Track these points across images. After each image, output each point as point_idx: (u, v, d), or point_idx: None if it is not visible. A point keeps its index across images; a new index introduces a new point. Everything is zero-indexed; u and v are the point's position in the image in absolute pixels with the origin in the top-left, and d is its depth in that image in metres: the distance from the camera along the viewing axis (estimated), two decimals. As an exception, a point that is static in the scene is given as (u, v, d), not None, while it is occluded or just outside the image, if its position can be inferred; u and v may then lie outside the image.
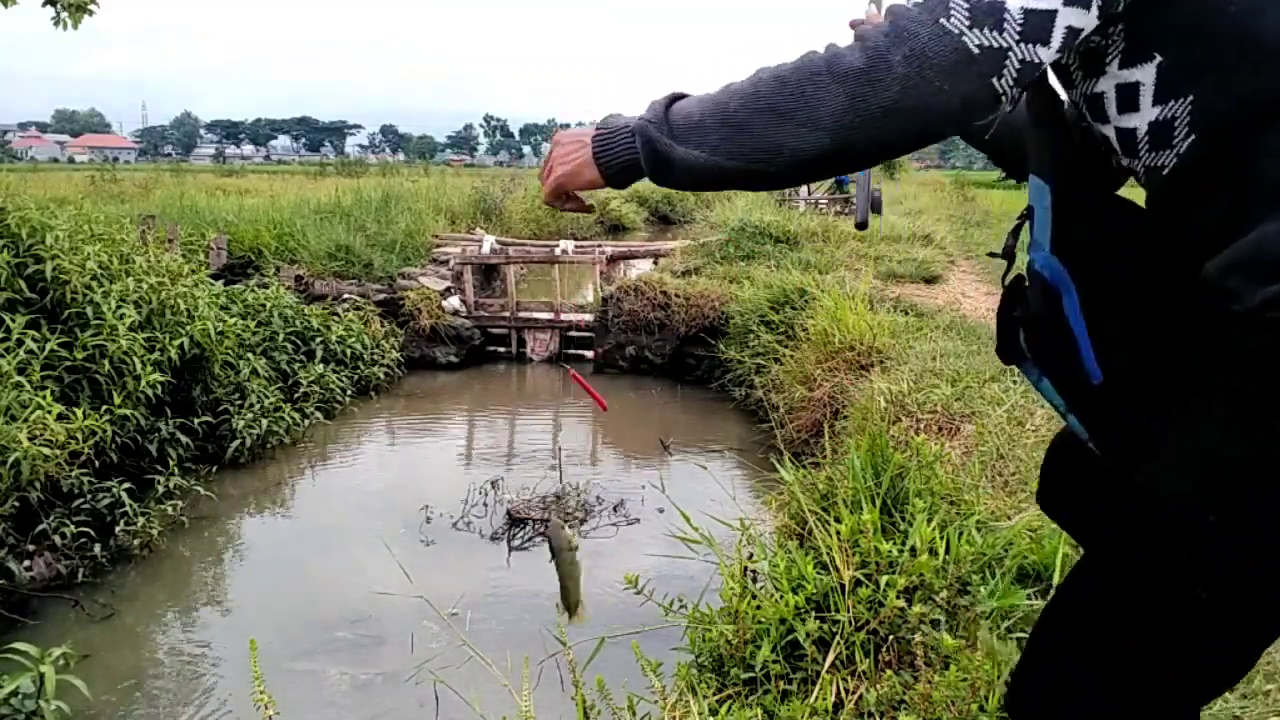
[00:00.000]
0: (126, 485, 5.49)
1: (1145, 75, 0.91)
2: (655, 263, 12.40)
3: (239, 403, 7.09)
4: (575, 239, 13.22)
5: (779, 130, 0.88)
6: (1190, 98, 0.89)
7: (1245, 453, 0.83)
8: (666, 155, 0.96)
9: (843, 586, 2.61)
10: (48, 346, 5.56)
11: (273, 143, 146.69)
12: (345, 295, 10.30)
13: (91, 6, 6.72)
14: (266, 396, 7.35)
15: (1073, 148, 1.07)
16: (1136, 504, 0.92)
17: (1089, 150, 1.09)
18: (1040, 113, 1.07)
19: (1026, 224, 1.09)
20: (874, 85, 0.83)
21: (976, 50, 0.82)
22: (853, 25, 1.50)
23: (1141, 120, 0.94)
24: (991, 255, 1.26)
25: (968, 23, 0.81)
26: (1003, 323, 1.14)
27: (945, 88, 0.82)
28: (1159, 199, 0.96)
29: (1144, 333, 0.94)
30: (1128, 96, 0.93)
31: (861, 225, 1.85)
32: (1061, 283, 0.99)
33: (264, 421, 7.09)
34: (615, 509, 6.04)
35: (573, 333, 10.94)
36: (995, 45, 0.82)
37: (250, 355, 7.54)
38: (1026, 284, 1.08)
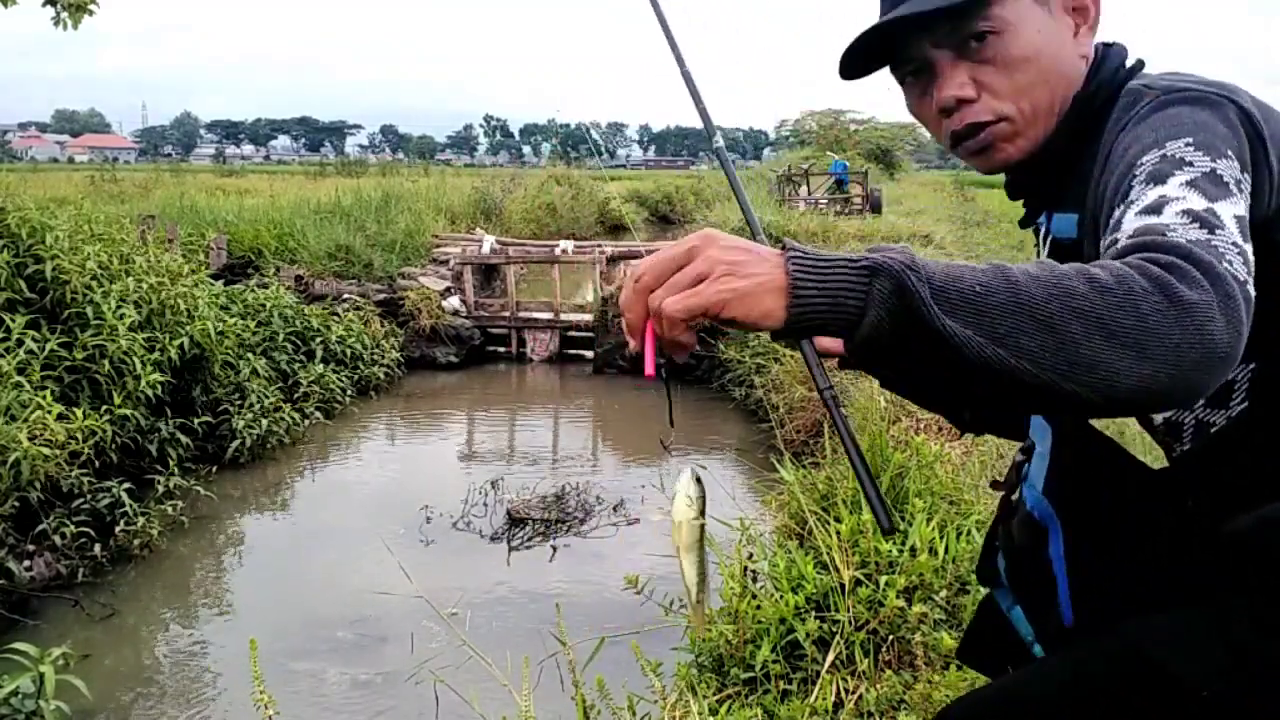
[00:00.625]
0: (126, 485, 5.49)
1: None
2: (655, 263, 12.38)
3: (239, 403, 7.09)
4: (575, 239, 13.22)
5: (1098, 345, 0.70)
6: (1252, 365, 0.91)
7: (1270, 652, 0.85)
8: (926, 322, 0.71)
9: (842, 586, 2.61)
10: (48, 346, 5.57)
11: (273, 143, 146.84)
12: (345, 295, 10.30)
13: (91, 6, 6.72)
14: (266, 396, 7.35)
15: None
16: (1127, 657, 0.93)
17: None
18: None
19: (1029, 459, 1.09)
20: (1212, 324, 0.70)
21: (1253, 294, 0.74)
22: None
23: None
24: (994, 485, 1.23)
25: (1246, 270, 0.75)
26: (988, 546, 1.14)
27: (1244, 333, 0.73)
28: (1199, 453, 0.98)
29: (1144, 567, 0.96)
30: None
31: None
32: (1050, 523, 1.00)
33: (264, 421, 7.09)
34: (615, 509, 6.04)
35: (572, 333, 10.95)
36: (1252, 291, 0.75)
37: (250, 355, 7.54)
38: (1015, 514, 1.09)
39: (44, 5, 6.58)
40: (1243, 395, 0.92)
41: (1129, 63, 1.03)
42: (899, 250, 0.74)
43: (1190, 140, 0.83)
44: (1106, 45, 1.04)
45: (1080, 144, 0.99)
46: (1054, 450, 1.03)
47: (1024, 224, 1.12)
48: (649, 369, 0.84)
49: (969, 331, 0.71)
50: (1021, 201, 1.12)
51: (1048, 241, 1.06)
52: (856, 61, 1.05)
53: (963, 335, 0.71)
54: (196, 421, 6.69)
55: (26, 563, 4.89)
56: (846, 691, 2.38)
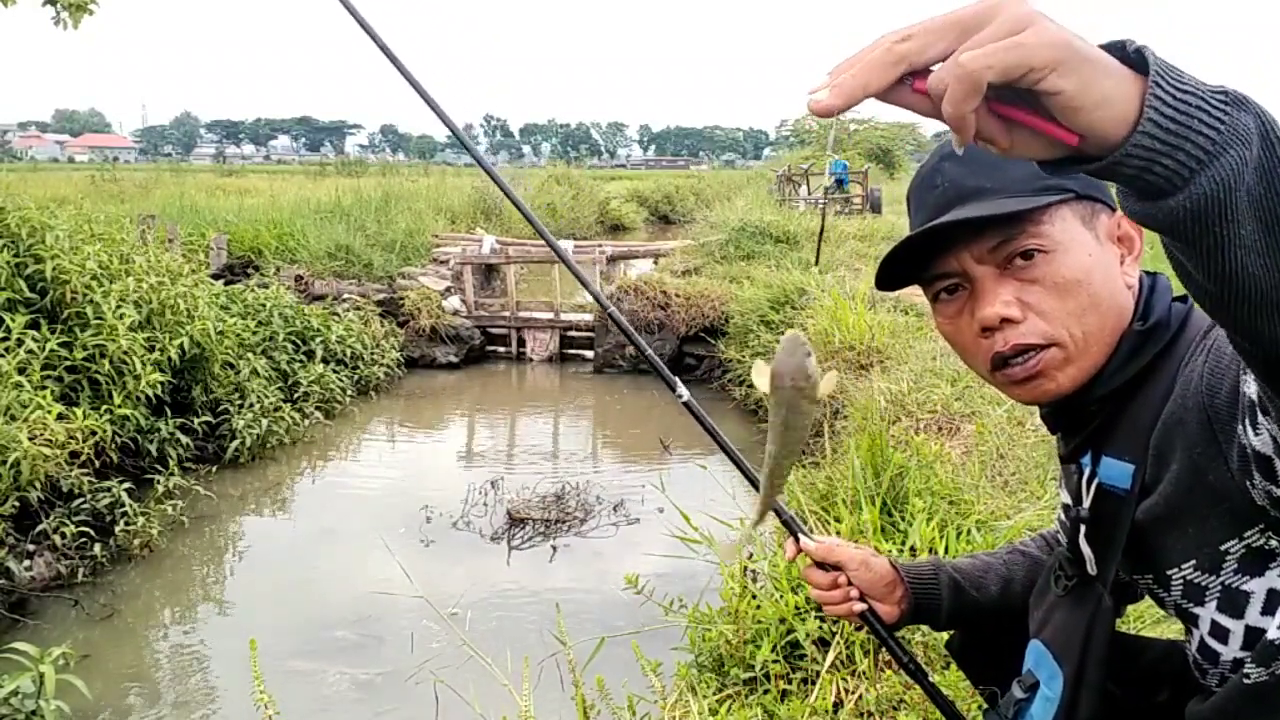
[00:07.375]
0: (126, 485, 5.49)
1: None
2: (655, 262, 12.41)
3: (239, 403, 7.09)
4: (575, 239, 13.22)
5: None
6: None
7: None
8: (1263, 189, 0.55)
9: (843, 586, 2.61)
10: (48, 346, 5.56)
11: (273, 143, 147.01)
12: (345, 295, 10.30)
13: (91, 6, 6.72)
14: (266, 396, 7.35)
15: (1109, 638, 0.98)
16: None
17: (1132, 641, 1.11)
18: (1082, 587, 1.00)
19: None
20: None
21: None
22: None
23: (1272, 626, 0.85)
24: (984, 713, 1.15)
25: None
26: None
27: None
28: (1245, 695, 0.88)
29: None
30: (1274, 603, 0.85)
31: None
32: None
33: (264, 421, 7.09)
34: (615, 509, 6.04)
35: (572, 333, 10.95)
36: None
37: (250, 355, 7.54)
38: None
39: (44, 5, 6.58)
40: None
41: (1175, 293, 0.95)
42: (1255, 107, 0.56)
43: None
44: (1150, 274, 0.97)
45: (1138, 381, 0.92)
46: (1069, 697, 0.96)
47: (1066, 460, 1.04)
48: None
49: None
50: (1059, 435, 1.03)
51: (1092, 486, 0.97)
52: (894, 271, 0.99)
53: None
54: (196, 421, 6.69)
55: (26, 563, 4.89)
56: (846, 691, 2.38)
